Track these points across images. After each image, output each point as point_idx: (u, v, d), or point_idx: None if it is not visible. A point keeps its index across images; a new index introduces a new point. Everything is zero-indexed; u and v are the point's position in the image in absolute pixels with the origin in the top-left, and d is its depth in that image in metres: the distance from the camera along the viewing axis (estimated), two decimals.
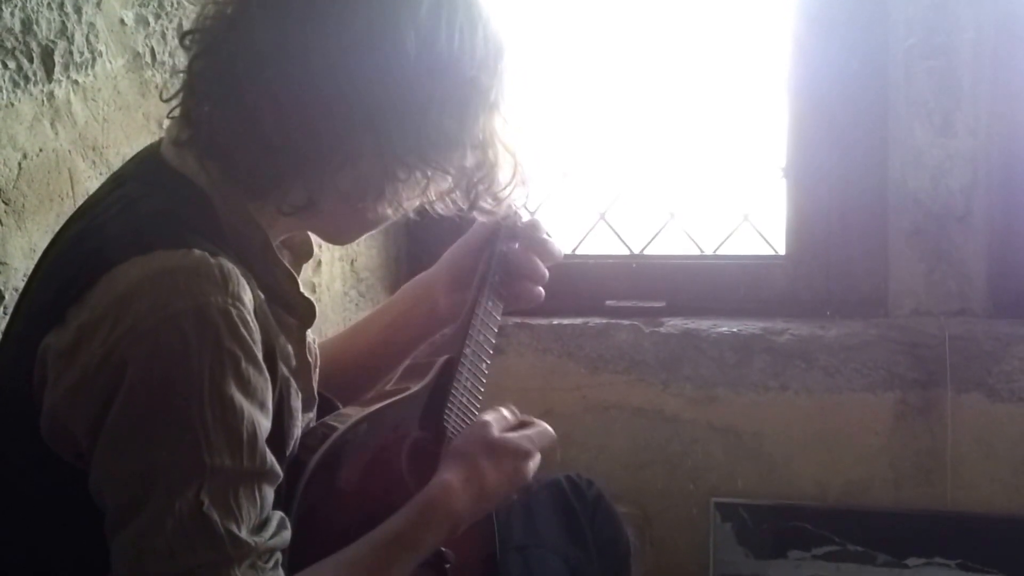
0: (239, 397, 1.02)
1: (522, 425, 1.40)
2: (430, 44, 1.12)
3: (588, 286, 2.49)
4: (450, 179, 1.21)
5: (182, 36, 1.17)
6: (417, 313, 1.53)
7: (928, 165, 2.21)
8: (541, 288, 1.52)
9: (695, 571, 2.34)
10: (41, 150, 1.51)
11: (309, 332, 1.28)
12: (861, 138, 2.29)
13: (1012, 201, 2.21)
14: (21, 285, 1.43)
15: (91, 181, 1.56)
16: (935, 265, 2.24)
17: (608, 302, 2.46)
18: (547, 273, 1.52)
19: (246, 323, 1.03)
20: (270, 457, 1.05)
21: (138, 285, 1.01)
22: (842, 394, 2.27)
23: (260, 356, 1.05)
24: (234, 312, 1.02)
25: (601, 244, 2.55)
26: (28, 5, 1.46)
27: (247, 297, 1.05)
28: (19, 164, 1.47)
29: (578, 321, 2.43)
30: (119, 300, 1.01)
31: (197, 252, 1.03)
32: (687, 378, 2.35)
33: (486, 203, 1.26)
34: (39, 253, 1.40)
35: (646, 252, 2.52)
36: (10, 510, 1.12)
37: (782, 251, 2.42)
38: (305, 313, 1.24)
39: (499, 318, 1.51)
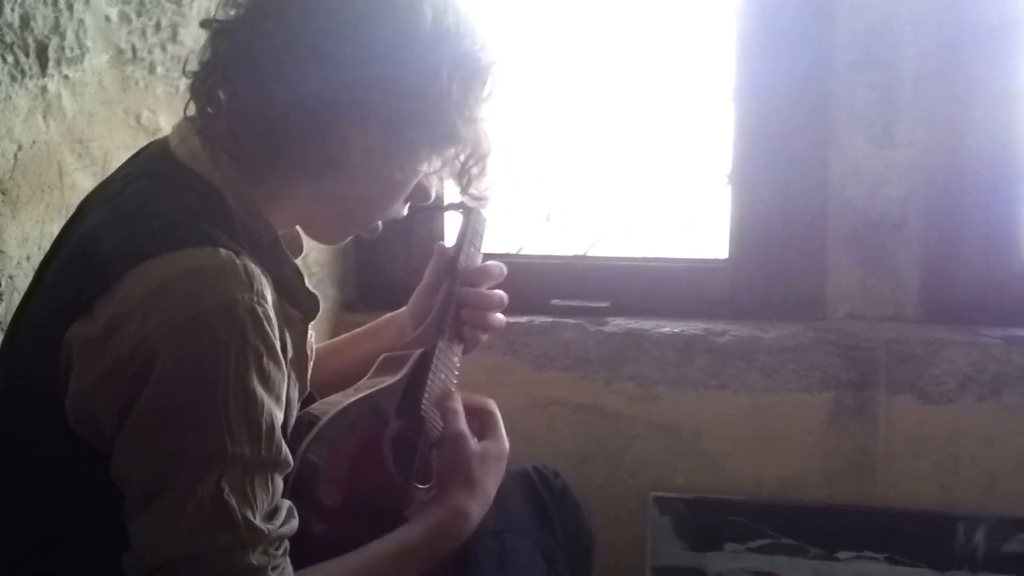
0: (260, 390, 1.06)
1: (472, 412, 1.50)
2: (441, 15, 1.18)
3: (534, 285, 2.51)
4: (444, 155, 1.27)
5: (203, 23, 1.21)
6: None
7: (867, 175, 2.26)
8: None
9: (632, 563, 2.38)
10: (34, 142, 1.54)
11: (310, 326, 1.32)
12: (804, 147, 2.34)
13: (947, 210, 2.26)
14: (15, 273, 1.47)
15: (77, 173, 1.59)
16: (871, 271, 2.29)
17: (554, 301, 2.49)
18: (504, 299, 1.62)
19: (269, 320, 1.08)
20: (284, 448, 1.10)
21: (170, 281, 1.05)
22: (779, 394, 2.32)
23: (279, 351, 1.10)
24: (259, 310, 1.07)
25: (547, 244, 2.59)
26: (27, 1, 1.49)
27: (268, 295, 1.10)
28: (15, 155, 1.50)
29: (524, 320, 2.44)
30: (151, 294, 1.04)
31: (224, 252, 1.07)
32: (629, 376, 2.39)
33: (476, 188, 1.33)
34: (31, 243, 1.45)
35: (591, 253, 2.56)
36: (27, 489, 1.14)
37: (725, 255, 2.47)
38: (310, 307, 1.28)
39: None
